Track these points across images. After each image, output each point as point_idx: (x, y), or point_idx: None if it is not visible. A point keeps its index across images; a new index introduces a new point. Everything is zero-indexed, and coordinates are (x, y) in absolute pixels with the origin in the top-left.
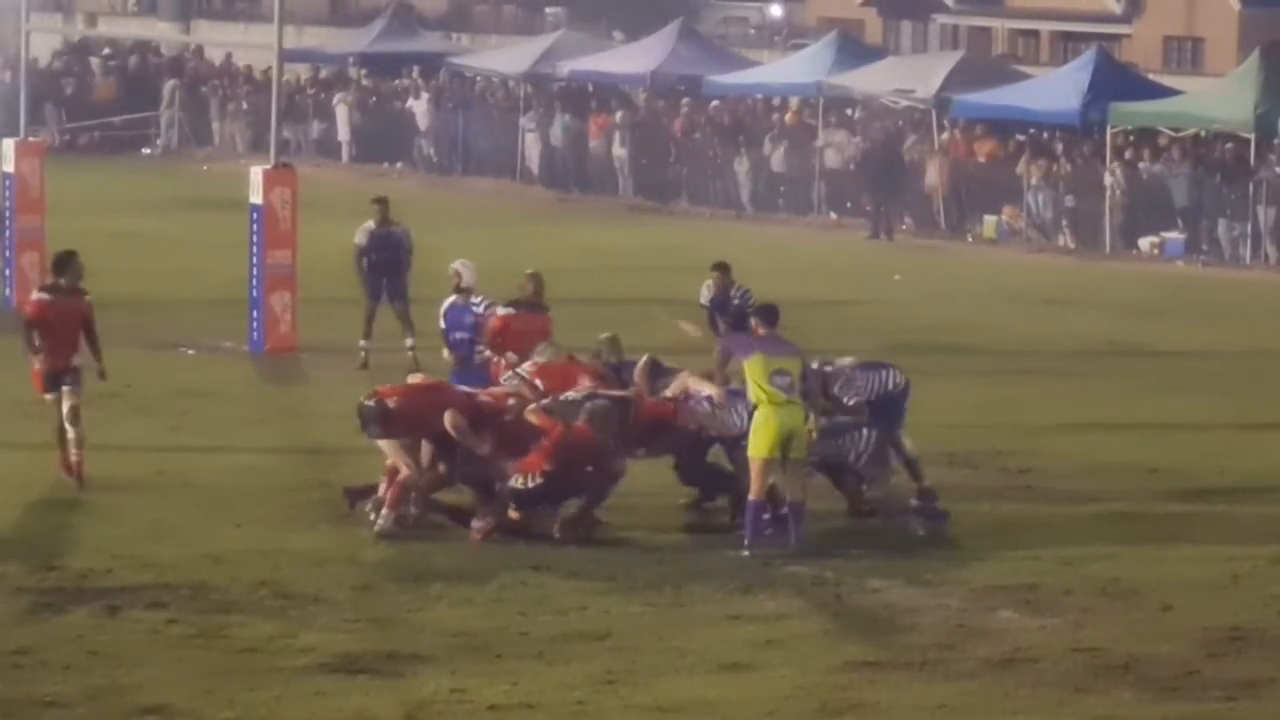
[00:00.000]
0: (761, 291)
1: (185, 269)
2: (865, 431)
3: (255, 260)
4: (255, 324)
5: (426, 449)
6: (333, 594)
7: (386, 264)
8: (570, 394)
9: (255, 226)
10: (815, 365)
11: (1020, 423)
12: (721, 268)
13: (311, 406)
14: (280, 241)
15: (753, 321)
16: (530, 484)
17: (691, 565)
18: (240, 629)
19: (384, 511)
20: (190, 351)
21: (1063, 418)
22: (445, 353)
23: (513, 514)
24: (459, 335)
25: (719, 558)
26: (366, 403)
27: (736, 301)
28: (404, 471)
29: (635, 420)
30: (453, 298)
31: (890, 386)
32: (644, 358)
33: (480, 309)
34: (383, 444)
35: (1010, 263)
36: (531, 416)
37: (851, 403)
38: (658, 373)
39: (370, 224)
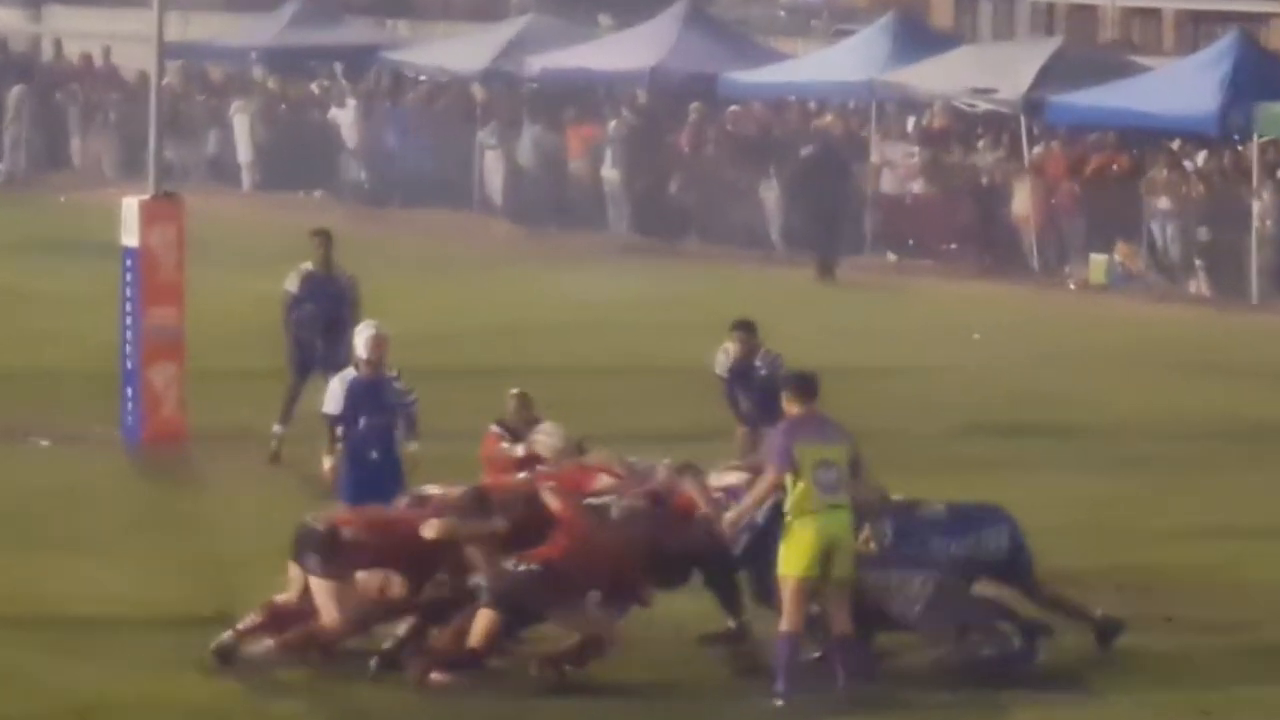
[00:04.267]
0: (796, 357)
1: (37, 332)
2: (924, 574)
3: (129, 321)
4: (130, 405)
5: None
6: None
7: (324, 319)
8: (591, 500)
9: (129, 276)
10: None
11: (1140, 527)
12: (744, 328)
13: (204, 514)
14: (162, 296)
15: (784, 397)
16: (525, 568)
17: (710, 718)
18: None
19: (267, 641)
20: (44, 442)
21: (1195, 521)
22: (326, 461)
23: (475, 639)
24: (373, 420)
25: (744, 708)
26: (313, 525)
27: (764, 371)
28: (325, 620)
29: (668, 519)
30: (353, 372)
31: (992, 550)
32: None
33: (399, 384)
34: (314, 582)
35: (1125, 315)
36: (549, 498)
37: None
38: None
39: (307, 265)
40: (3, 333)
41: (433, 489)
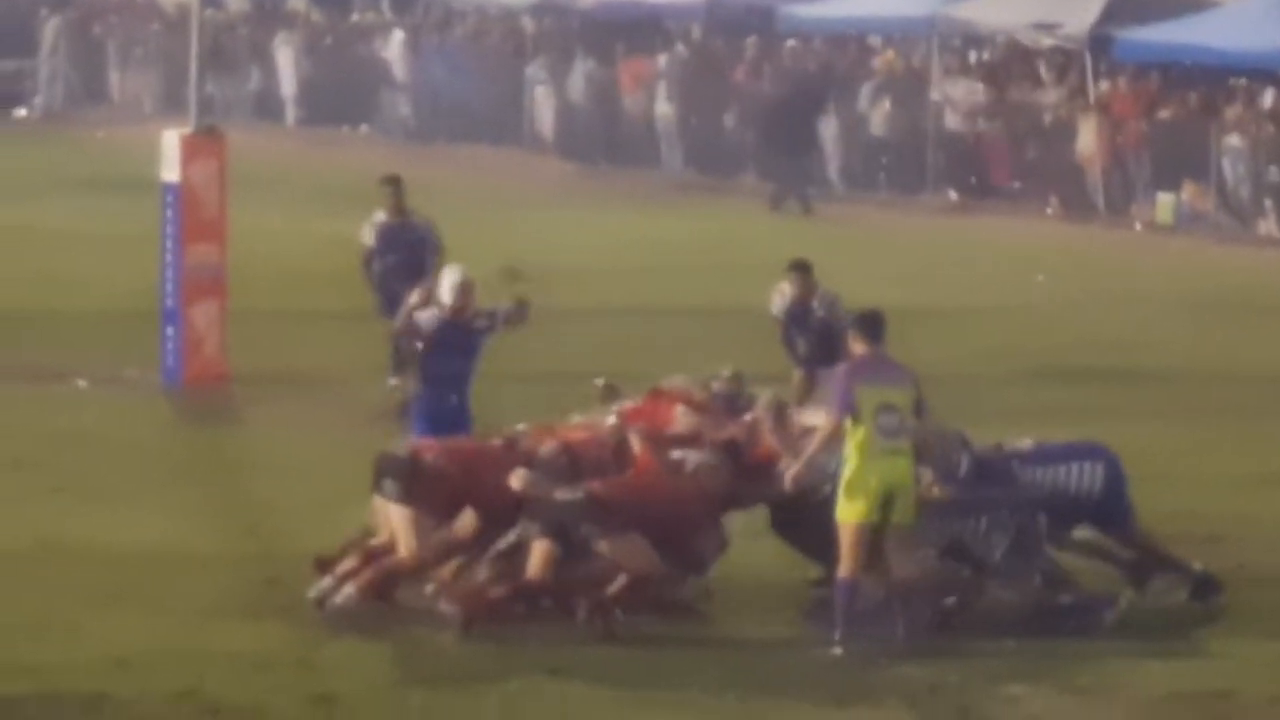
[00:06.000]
0: (856, 298)
1: (75, 273)
2: (1007, 514)
3: (170, 259)
4: (170, 346)
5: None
6: (279, 708)
7: (405, 268)
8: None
9: (169, 213)
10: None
11: (1210, 474)
12: (800, 268)
13: (247, 458)
14: (204, 233)
15: (850, 336)
16: (570, 497)
17: (765, 667)
18: None
19: (348, 588)
20: (83, 384)
21: (1266, 468)
22: (393, 380)
23: (534, 570)
24: (455, 365)
25: (803, 657)
26: (394, 451)
27: (821, 312)
28: (404, 552)
29: (745, 473)
30: (436, 310)
31: (1083, 486)
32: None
33: (484, 324)
34: (394, 510)
35: (1194, 257)
36: (635, 442)
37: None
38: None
39: (381, 215)
40: (40, 273)
41: (521, 428)
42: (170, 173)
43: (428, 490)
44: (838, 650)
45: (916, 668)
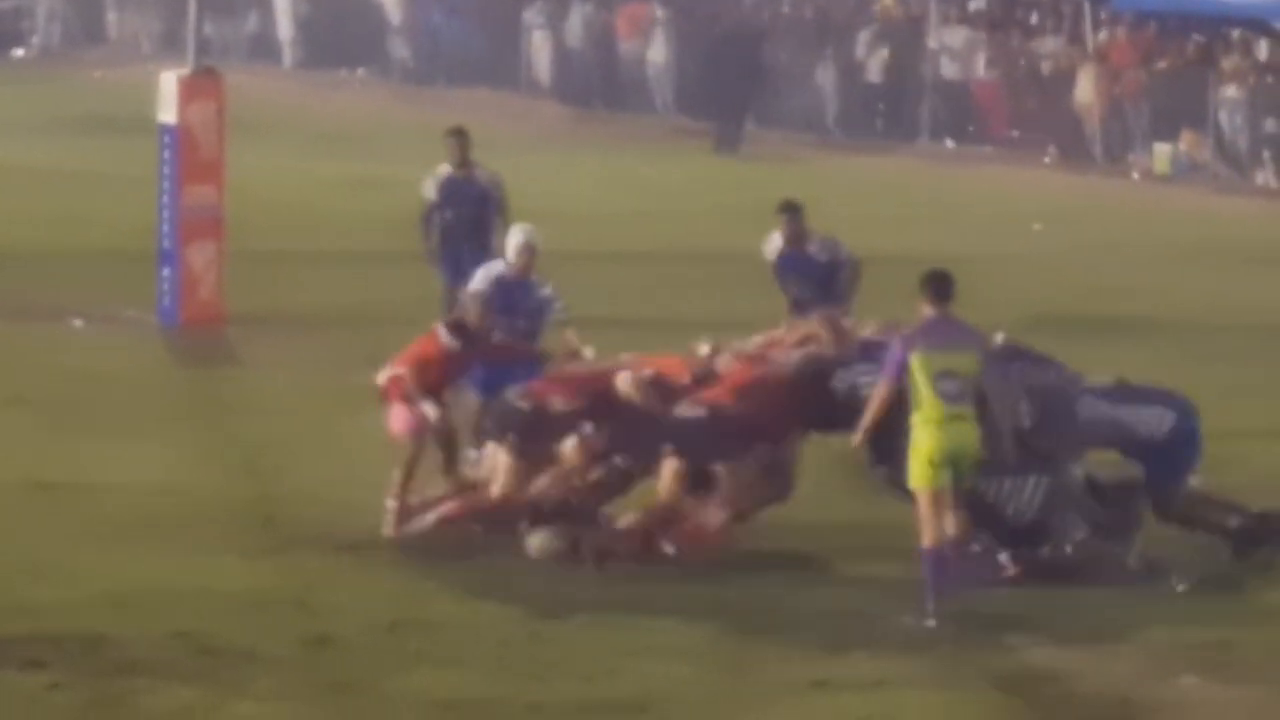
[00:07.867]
0: (854, 245)
1: (72, 212)
2: (1033, 478)
3: (167, 200)
4: (167, 286)
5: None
6: (274, 650)
7: (467, 224)
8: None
9: (167, 154)
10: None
11: (1206, 423)
12: (788, 210)
13: (244, 398)
14: (201, 174)
15: (920, 297)
16: (694, 414)
17: (761, 617)
18: (148, 696)
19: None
20: (79, 323)
21: (1265, 417)
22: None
23: (664, 493)
24: (511, 321)
25: (799, 607)
26: (517, 404)
27: (823, 258)
28: (498, 491)
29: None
30: (500, 267)
31: (1149, 427)
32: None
33: (546, 290)
34: (502, 455)
35: (1191, 207)
36: (725, 360)
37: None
38: None
39: (444, 168)
40: (37, 212)
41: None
42: (168, 114)
43: (549, 436)
44: (931, 623)
45: (913, 617)
